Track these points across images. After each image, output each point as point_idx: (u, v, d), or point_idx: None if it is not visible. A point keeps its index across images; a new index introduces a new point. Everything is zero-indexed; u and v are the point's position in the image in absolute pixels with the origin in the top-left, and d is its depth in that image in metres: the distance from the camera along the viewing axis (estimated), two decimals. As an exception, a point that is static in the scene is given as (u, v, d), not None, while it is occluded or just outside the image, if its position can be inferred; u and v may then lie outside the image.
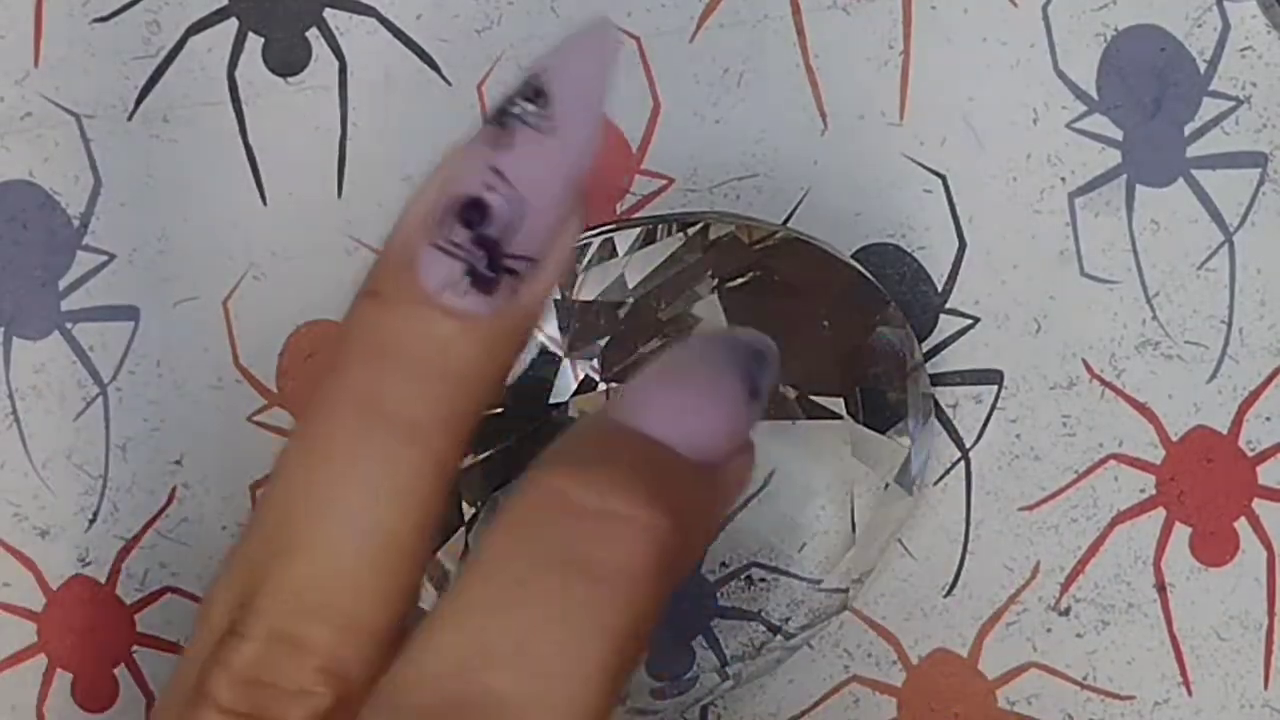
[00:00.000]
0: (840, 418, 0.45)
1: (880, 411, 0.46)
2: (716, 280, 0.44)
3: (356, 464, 0.30)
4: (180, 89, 0.46)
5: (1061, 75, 0.47)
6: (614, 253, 0.44)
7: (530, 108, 0.29)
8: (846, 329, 0.45)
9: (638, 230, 0.44)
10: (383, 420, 0.30)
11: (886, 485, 0.46)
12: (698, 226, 0.44)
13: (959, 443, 0.47)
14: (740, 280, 0.45)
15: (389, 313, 0.30)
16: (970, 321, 0.47)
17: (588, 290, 0.44)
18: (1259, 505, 0.48)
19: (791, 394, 0.45)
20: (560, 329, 0.44)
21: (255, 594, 0.30)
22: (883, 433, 0.46)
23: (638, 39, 0.46)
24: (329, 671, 0.30)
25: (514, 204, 0.30)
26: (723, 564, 0.46)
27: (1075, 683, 0.48)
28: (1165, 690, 0.48)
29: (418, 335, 0.30)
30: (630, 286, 0.44)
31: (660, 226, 0.44)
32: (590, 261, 0.44)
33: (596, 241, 0.44)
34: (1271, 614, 0.48)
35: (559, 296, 0.44)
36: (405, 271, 0.30)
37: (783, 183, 0.47)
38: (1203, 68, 0.47)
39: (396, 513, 0.30)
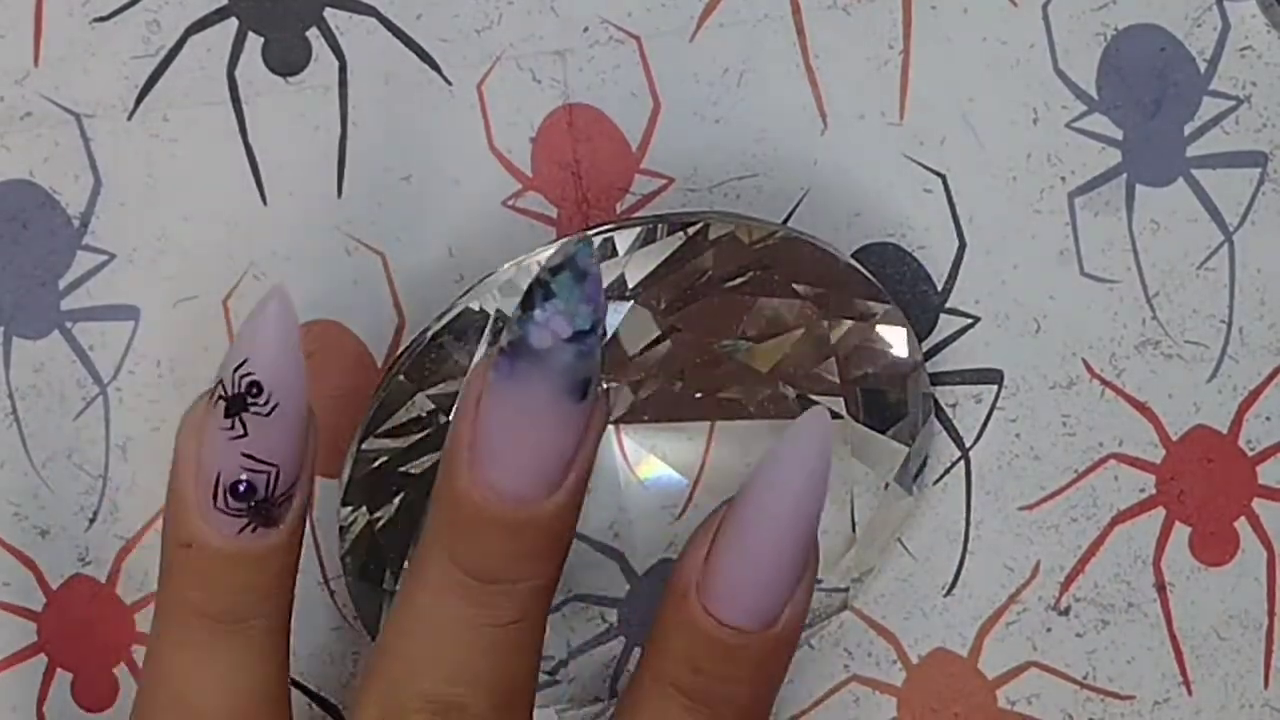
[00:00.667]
0: (840, 417, 0.45)
1: (880, 411, 0.46)
2: (716, 280, 0.44)
3: (222, 657, 0.39)
4: (180, 88, 0.46)
5: (1061, 75, 0.47)
6: (614, 252, 0.44)
7: (253, 403, 0.37)
8: (846, 328, 0.45)
9: (638, 230, 0.44)
10: (237, 622, 0.39)
11: (886, 485, 0.46)
12: (698, 226, 0.44)
13: (959, 442, 0.47)
14: (740, 280, 0.45)
15: (208, 557, 0.39)
16: (970, 321, 0.47)
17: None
18: (1259, 505, 0.48)
19: (791, 394, 0.45)
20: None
21: None
22: (883, 433, 0.46)
23: (638, 39, 0.46)
24: None
25: (268, 473, 0.38)
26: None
27: (1075, 682, 0.48)
28: (1165, 690, 0.48)
29: (232, 568, 0.39)
30: (630, 286, 0.44)
31: (660, 226, 0.44)
32: (590, 261, 0.44)
33: (597, 241, 0.44)
34: (1271, 613, 0.48)
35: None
36: (206, 526, 0.38)
37: (783, 182, 0.47)
38: (1203, 67, 0.47)
39: (261, 670, 0.40)
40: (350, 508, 0.45)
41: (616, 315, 0.44)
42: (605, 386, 0.45)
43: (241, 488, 0.38)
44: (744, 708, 0.41)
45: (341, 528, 0.45)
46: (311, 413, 0.39)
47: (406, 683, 0.40)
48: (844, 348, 0.45)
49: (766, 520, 0.40)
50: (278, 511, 0.38)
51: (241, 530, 0.38)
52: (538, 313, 0.37)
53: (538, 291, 0.37)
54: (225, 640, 0.39)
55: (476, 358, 0.44)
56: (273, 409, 0.38)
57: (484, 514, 0.38)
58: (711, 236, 0.44)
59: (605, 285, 0.44)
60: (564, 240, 0.38)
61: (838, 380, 0.45)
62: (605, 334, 0.38)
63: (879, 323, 0.45)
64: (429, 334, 0.44)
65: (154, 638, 0.40)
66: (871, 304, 0.45)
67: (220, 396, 0.38)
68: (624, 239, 0.44)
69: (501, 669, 0.40)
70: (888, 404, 0.46)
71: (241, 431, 0.38)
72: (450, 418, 0.44)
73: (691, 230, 0.44)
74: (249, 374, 0.38)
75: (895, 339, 0.45)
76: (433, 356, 0.44)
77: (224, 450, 0.38)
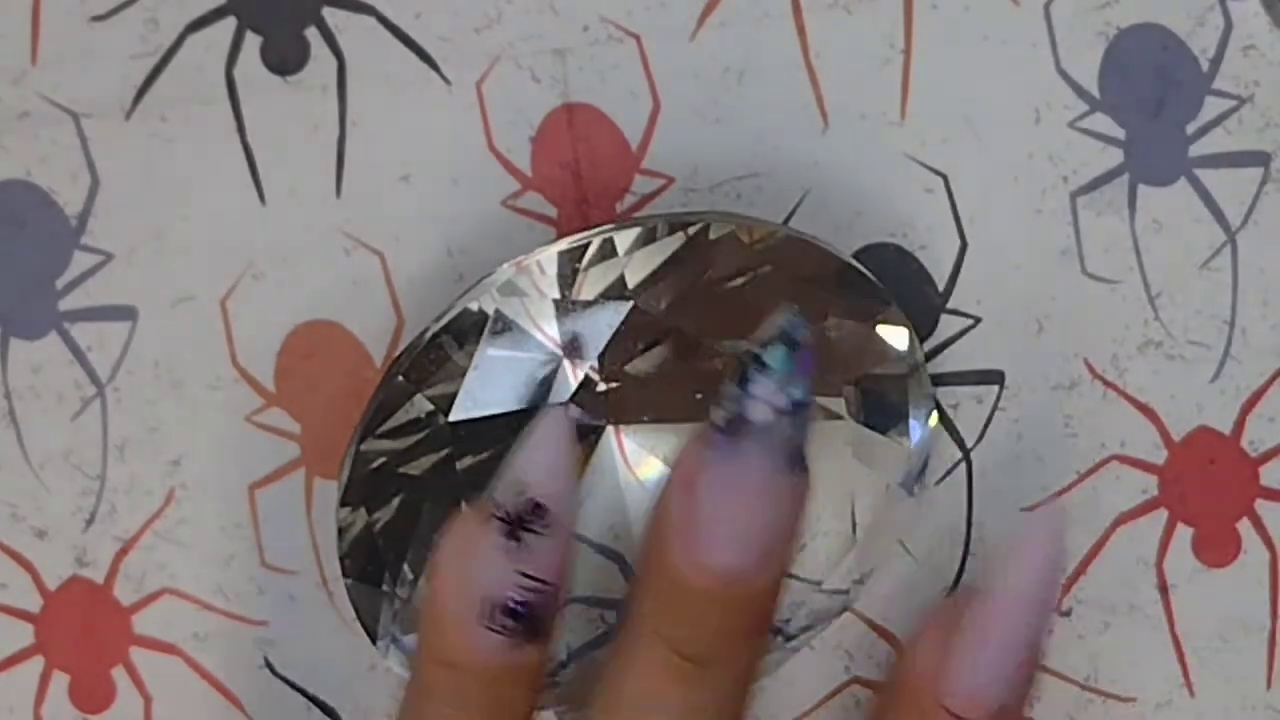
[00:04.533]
0: (841, 418, 0.45)
1: (881, 412, 0.46)
2: (716, 280, 0.44)
3: None
4: (178, 87, 0.46)
5: (1063, 74, 0.47)
6: (614, 252, 0.44)
7: (534, 522, 0.38)
8: (847, 329, 0.45)
9: (637, 230, 0.44)
10: None
11: (888, 486, 0.46)
12: (698, 226, 0.44)
13: (960, 443, 0.47)
14: (741, 280, 0.44)
15: (471, 676, 0.39)
16: (971, 321, 0.47)
17: (587, 290, 0.44)
18: (1261, 506, 0.48)
19: (792, 394, 0.45)
20: (560, 329, 0.44)
21: None
22: (884, 433, 0.46)
23: (638, 38, 0.46)
24: None
25: (545, 591, 0.38)
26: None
27: (1077, 684, 0.48)
28: (1167, 692, 0.48)
29: (500, 684, 0.39)
30: (630, 287, 0.44)
31: (660, 226, 0.44)
32: (590, 261, 0.44)
33: (596, 241, 0.44)
34: (1274, 615, 0.48)
35: (558, 296, 0.43)
36: (473, 647, 0.39)
37: (783, 182, 0.47)
38: (1205, 66, 0.47)
39: None
40: (348, 509, 0.44)
41: (616, 315, 0.44)
42: (605, 387, 0.45)
43: (517, 608, 0.38)
44: None
45: (340, 529, 0.45)
46: (573, 521, 0.40)
47: None
48: (845, 348, 0.45)
49: (1012, 626, 0.41)
50: (544, 626, 0.39)
51: (502, 645, 0.39)
52: (754, 387, 0.38)
53: (752, 366, 0.38)
54: None
55: (475, 358, 0.44)
56: (554, 526, 0.39)
57: (703, 594, 0.39)
58: (712, 237, 0.44)
59: (604, 286, 0.44)
60: (774, 314, 0.39)
61: (839, 380, 0.45)
62: (812, 402, 0.39)
63: (880, 323, 0.45)
64: (428, 334, 0.44)
65: None
66: (872, 304, 0.45)
67: (499, 517, 0.38)
68: (624, 239, 0.44)
69: None
70: (889, 404, 0.46)
71: (523, 548, 0.38)
72: (449, 418, 0.44)
73: (692, 230, 0.44)
74: (530, 489, 0.39)
75: (896, 339, 0.45)
76: (432, 357, 0.44)
77: (498, 569, 0.38)
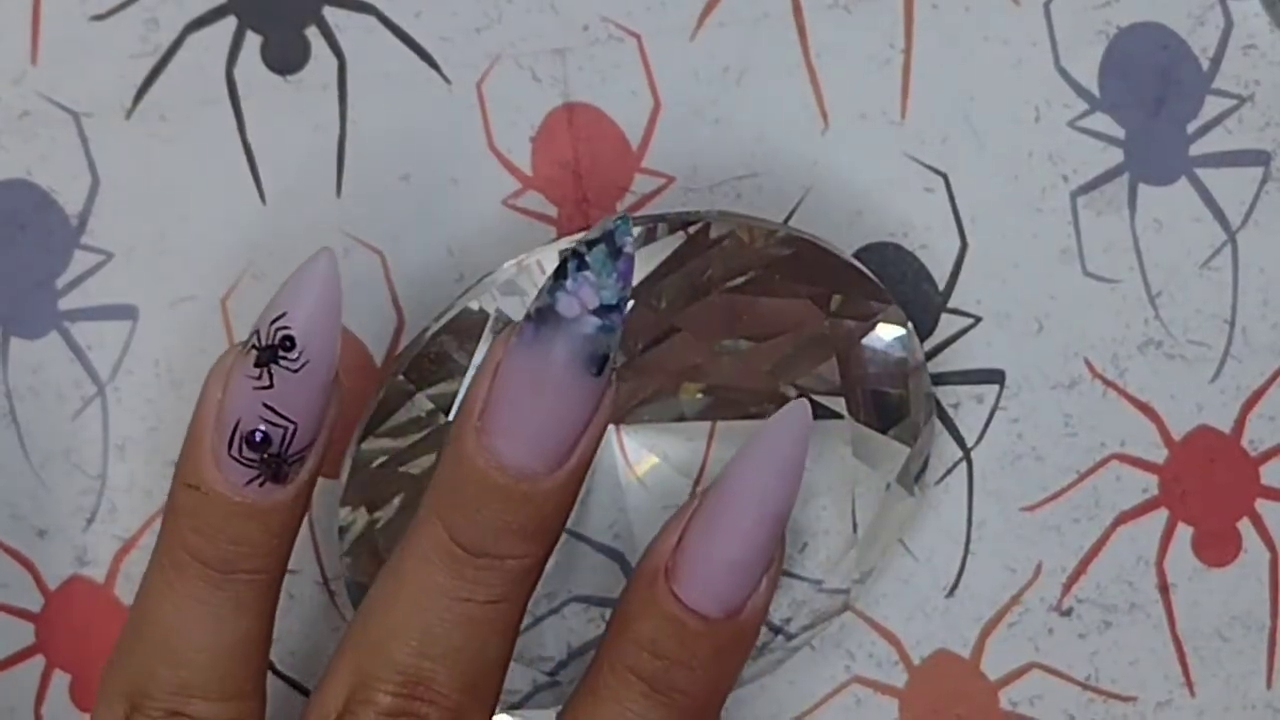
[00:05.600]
0: (841, 417, 0.45)
1: (881, 411, 0.46)
2: (716, 279, 0.44)
3: (210, 603, 0.40)
4: (178, 87, 0.46)
5: (1063, 73, 0.47)
6: (614, 252, 0.44)
7: (284, 355, 0.38)
8: (847, 328, 0.45)
9: (637, 230, 0.44)
10: (229, 573, 0.39)
11: (888, 485, 0.46)
12: (698, 226, 0.44)
13: (961, 442, 0.47)
14: (741, 279, 0.44)
15: (213, 503, 0.39)
16: (972, 321, 0.47)
17: (587, 289, 0.44)
18: (1262, 505, 0.48)
19: (793, 393, 0.45)
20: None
21: (148, 693, 0.40)
22: (884, 432, 0.46)
23: (638, 37, 0.46)
24: None
25: (286, 428, 0.39)
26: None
27: (1078, 684, 0.48)
28: (1168, 691, 0.48)
29: (233, 518, 0.39)
30: (630, 286, 0.44)
31: (660, 225, 0.44)
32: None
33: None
34: (1275, 614, 0.48)
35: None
36: (216, 471, 0.39)
37: (783, 182, 0.47)
38: (1205, 66, 0.47)
39: (245, 623, 0.40)
40: (349, 508, 0.44)
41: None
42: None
43: (257, 438, 0.38)
44: (699, 698, 0.41)
45: (341, 528, 0.45)
46: (338, 379, 0.39)
47: (379, 650, 0.40)
48: (845, 347, 0.45)
49: (737, 507, 0.41)
50: (288, 469, 0.39)
51: (250, 482, 0.39)
52: (568, 282, 0.38)
53: (571, 262, 0.39)
54: (214, 589, 0.40)
55: (476, 357, 0.44)
56: (302, 366, 0.38)
57: (483, 481, 0.39)
58: (712, 236, 0.44)
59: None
60: (607, 217, 0.39)
61: (839, 380, 0.45)
62: (626, 311, 0.39)
63: (880, 322, 0.45)
64: (428, 334, 0.44)
65: (148, 573, 0.41)
66: (873, 303, 0.45)
67: (253, 346, 0.38)
68: (623, 239, 0.44)
69: (475, 648, 0.40)
70: (889, 404, 0.46)
71: (267, 383, 0.38)
72: (449, 418, 0.44)
73: (692, 230, 0.44)
74: (285, 328, 0.38)
75: (896, 338, 0.45)
76: (432, 356, 0.44)
77: (246, 399, 0.38)
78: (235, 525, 0.39)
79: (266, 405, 0.38)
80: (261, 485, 0.39)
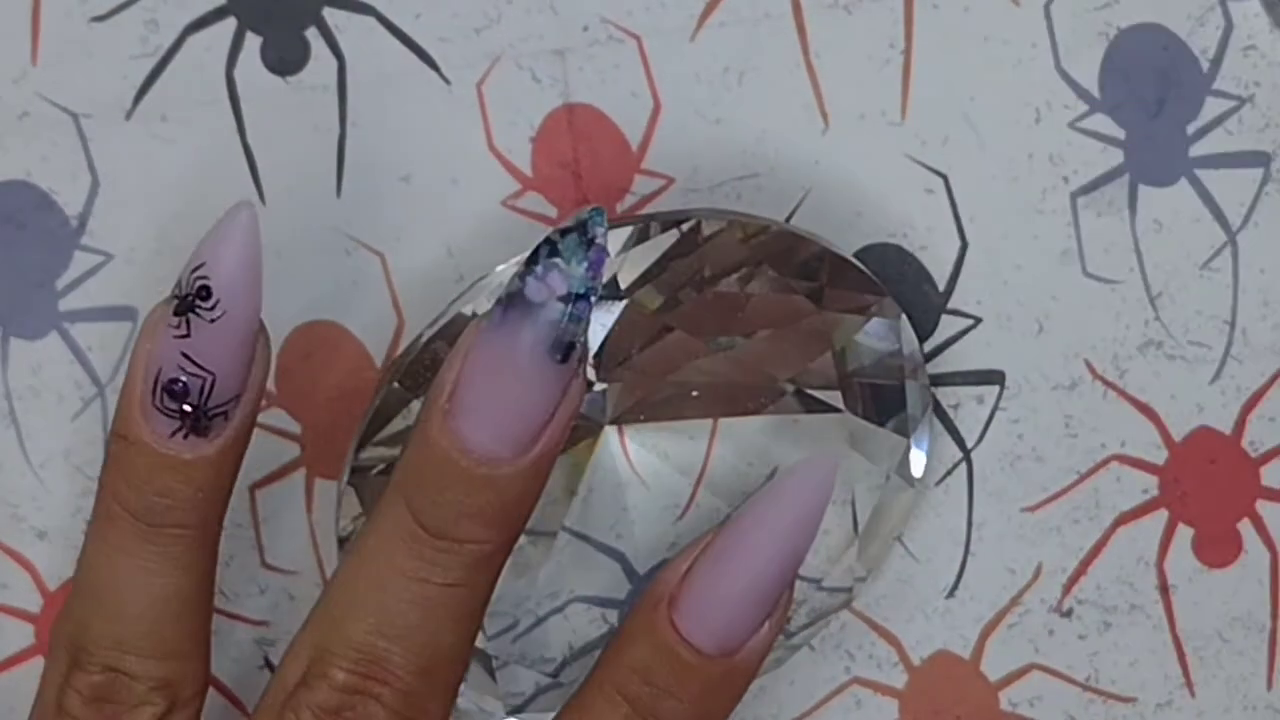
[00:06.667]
0: (839, 410, 0.45)
1: (879, 404, 0.46)
2: (710, 277, 0.44)
3: (139, 556, 0.40)
4: (178, 88, 0.46)
5: (1063, 74, 0.47)
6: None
7: (200, 304, 0.39)
8: (842, 321, 0.45)
9: (631, 229, 0.44)
10: (156, 525, 0.40)
11: (887, 477, 0.46)
12: (690, 223, 0.44)
13: (961, 443, 0.47)
14: (734, 276, 0.44)
15: (139, 454, 0.40)
16: (972, 322, 0.47)
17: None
18: (1262, 506, 0.48)
19: (789, 389, 0.45)
20: None
21: (84, 646, 0.41)
22: (882, 425, 0.46)
23: (638, 38, 0.46)
24: (158, 687, 0.41)
25: (204, 378, 0.39)
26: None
27: (1077, 684, 0.48)
28: (1168, 692, 0.48)
29: (163, 470, 0.40)
30: (624, 286, 0.44)
31: (653, 224, 0.44)
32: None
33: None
34: (1275, 615, 0.48)
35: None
36: (142, 421, 0.39)
37: (783, 182, 0.47)
38: (1205, 67, 0.47)
39: (175, 579, 0.40)
40: (349, 517, 0.44)
41: (610, 315, 0.44)
42: (602, 387, 0.45)
43: (176, 387, 0.39)
44: None
45: (340, 537, 0.45)
46: (263, 333, 0.40)
47: (338, 626, 0.40)
48: (841, 341, 0.45)
49: (750, 551, 0.41)
50: (210, 423, 0.39)
51: (174, 434, 0.39)
52: (538, 268, 0.39)
53: (543, 249, 0.39)
54: (143, 541, 0.40)
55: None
56: (219, 316, 0.39)
57: (446, 463, 0.39)
58: (705, 233, 0.44)
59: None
60: (582, 208, 0.39)
61: (835, 374, 0.45)
62: (594, 301, 0.39)
63: (875, 315, 0.45)
64: (422, 340, 0.44)
65: (89, 526, 0.41)
66: (867, 296, 0.45)
67: (174, 295, 0.39)
68: (617, 238, 0.44)
69: (431, 631, 0.40)
70: (886, 396, 0.45)
71: (184, 332, 0.39)
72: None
73: (685, 228, 0.44)
74: (202, 278, 0.39)
75: (891, 330, 0.45)
76: (427, 363, 0.44)
77: (167, 348, 0.39)
78: (160, 477, 0.40)
79: (185, 355, 0.39)
80: (185, 438, 0.39)
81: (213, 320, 0.39)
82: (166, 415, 0.39)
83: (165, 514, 0.40)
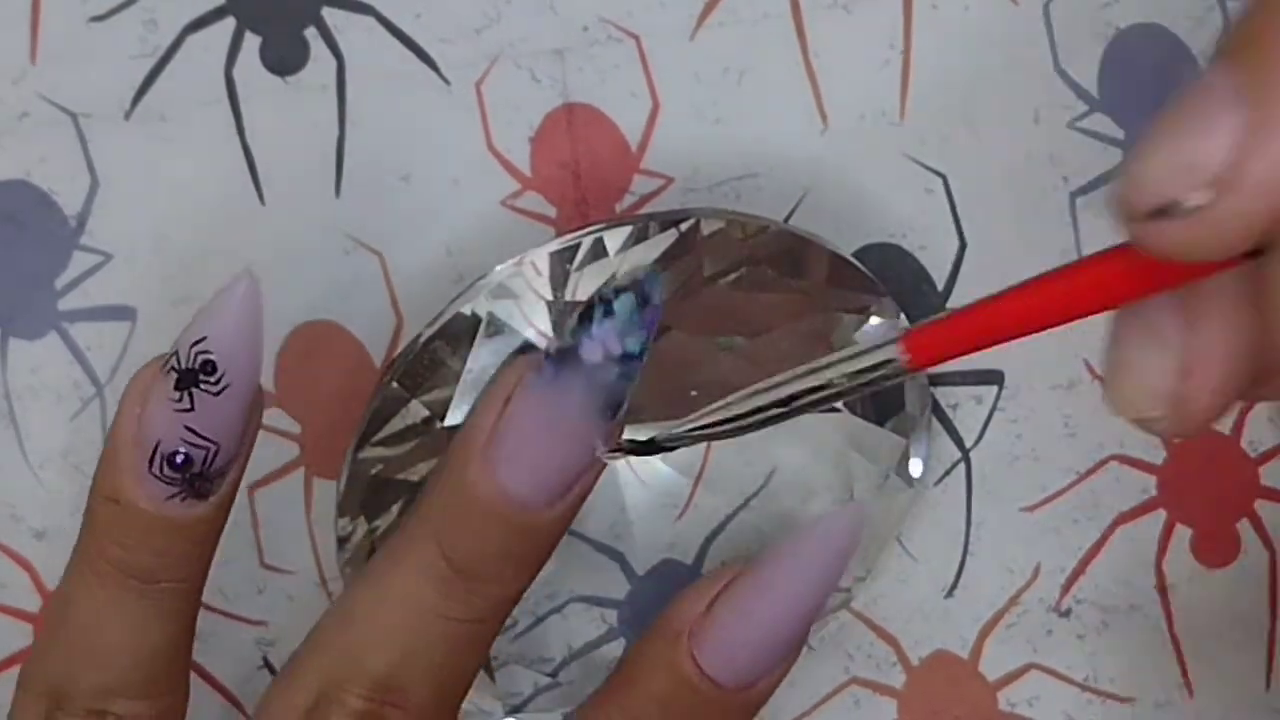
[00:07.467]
0: (838, 410, 0.45)
1: (878, 403, 0.46)
2: (709, 276, 0.44)
3: (133, 611, 0.40)
4: (178, 88, 0.46)
5: (1063, 74, 0.47)
6: (605, 252, 0.44)
7: (205, 379, 0.38)
8: (841, 321, 0.45)
9: (628, 229, 0.44)
10: (151, 582, 0.40)
11: (887, 477, 0.46)
12: (689, 223, 0.44)
13: (959, 443, 0.47)
14: (733, 276, 0.44)
15: (134, 517, 0.39)
16: (971, 322, 0.47)
17: (581, 291, 0.44)
18: (1261, 506, 0.48)
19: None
20: (553, 329, 0.44)
21: (69, 694, 0.40)
22: (881, 424, 0.46)
23: (638, 39, 0.46)
24: None
25: (208, 449, 0.38)
26: (724, 564, 0.46)
27: (1076, 684, 0.48)
28: (1167, 692, 0.48)
29: (155, 532, 0.39)
30: (623, 286, 0.44)
31: (652, 224, 0.44)
32: (582, 262, 0.44)
33: (587, 241, 0.43)
34: (1273, 615, 0.48)
35: (551, 298, 0.43)
36: (136, 488, 0.39)
37: (783, 182, 0.47)
38: (1204, 66, 0.47)
39: (170, 628, 0.40)
40: (348, 518, 0.44)
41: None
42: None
43: (179, 460, 0.38)
44: None
45: (340, 538, 0.45)
46: (260, 394, 0.39)
47: (358, 661, 0.40)
48: (839, 341, 0.45)
49: (778, 596, 0.42)
50: (210, 486, 0.39)
51: (170, 498, 0.39)
52: (594, 327, 0.39)
53: (598, 308, 0.39)
54: (136, 597, 0.40)
55: (469, 362, 0.44)
56: (223, 389, 0.38)
57: (488, 510, 0.39)
58: (704, 233, 0.44)
59: (597, 286, 0.44)
60: (638, 266, 0.39)
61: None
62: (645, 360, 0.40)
63: (873, 314, 0.45)
64: (421, 340, 0.44)
65: (66, 580, 0.40)
66: (865, 296, 0.45)
67: (173, 368, 0.38)
68: (615, 238, 0.44)
69: (452, 664, 0.41)
70: (885, 396, 0.45)
71: (188, 406, 0.38)
72: (444, 424, 0.44)
73: (684, 227, 0.44)
74: (205, 352, 0.38)
75: (890, 330, 0.45)
76: (425, 363, 0.44)
77: (167, 420, 0.38)
78: (157, 538, 0.39)
79: (188, 428, 0.38)
80: (183, 501, 0.39)
81: (217, 393, 0.38)
82: (164, 483, 0.39)
83: (162, 571, 0.40)
